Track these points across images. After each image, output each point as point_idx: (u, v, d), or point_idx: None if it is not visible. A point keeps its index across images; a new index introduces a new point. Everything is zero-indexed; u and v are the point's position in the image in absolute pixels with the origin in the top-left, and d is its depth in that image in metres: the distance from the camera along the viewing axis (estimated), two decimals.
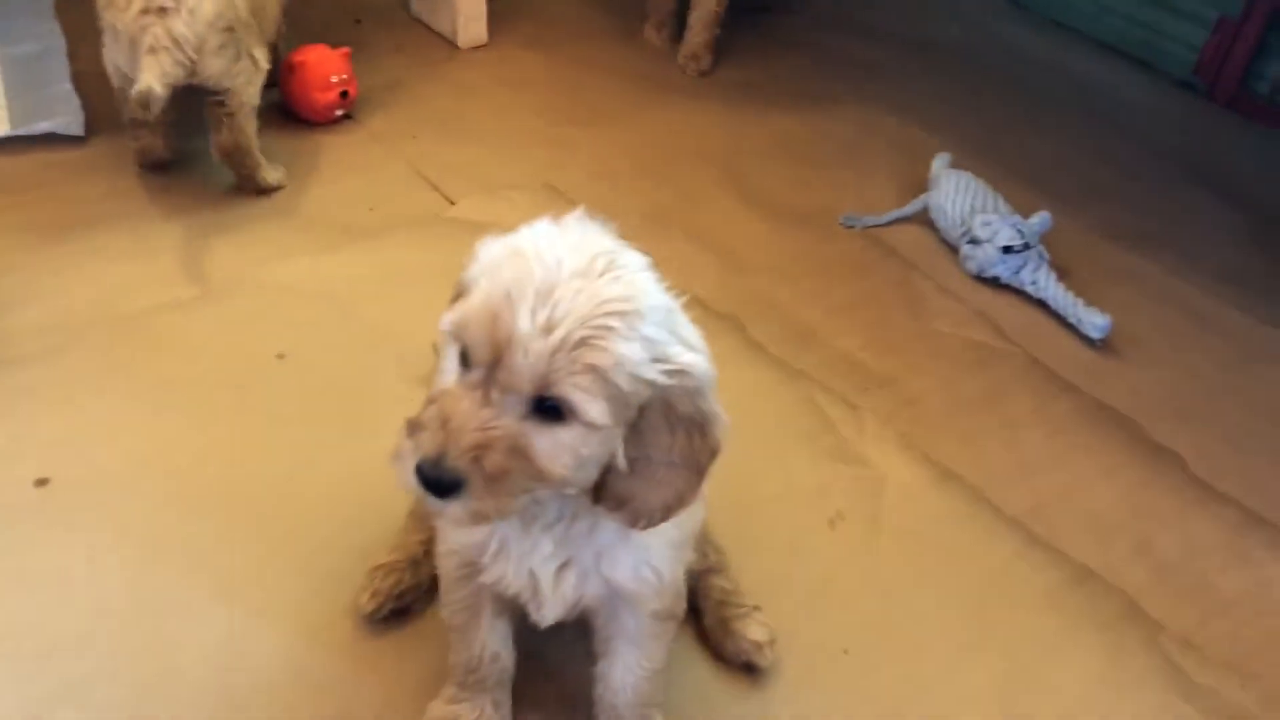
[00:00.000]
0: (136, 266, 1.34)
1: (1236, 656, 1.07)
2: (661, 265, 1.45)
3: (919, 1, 2.34)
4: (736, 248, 1.54)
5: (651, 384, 0.67)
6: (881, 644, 1.03)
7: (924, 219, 1.64)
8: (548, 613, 0.80)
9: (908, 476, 1.21)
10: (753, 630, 0.99)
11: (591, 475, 0.70)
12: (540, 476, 0.68)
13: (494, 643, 0.87)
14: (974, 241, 1.54)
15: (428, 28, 1.97)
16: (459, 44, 1.92)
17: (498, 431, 0.66)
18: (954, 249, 1.58)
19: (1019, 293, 1.52)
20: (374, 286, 1.37)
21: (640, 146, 1.73)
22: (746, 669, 0.99)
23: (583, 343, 0.65)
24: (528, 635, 0.90)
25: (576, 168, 1.65)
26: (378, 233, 1.46)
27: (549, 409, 0.67)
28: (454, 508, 0.67)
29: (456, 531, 0.80)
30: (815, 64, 2.04)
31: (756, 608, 1.01)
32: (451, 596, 0.85)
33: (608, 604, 0.82)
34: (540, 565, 0.77)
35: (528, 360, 0.65)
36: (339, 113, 1.67)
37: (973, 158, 1.70)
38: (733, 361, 1.32)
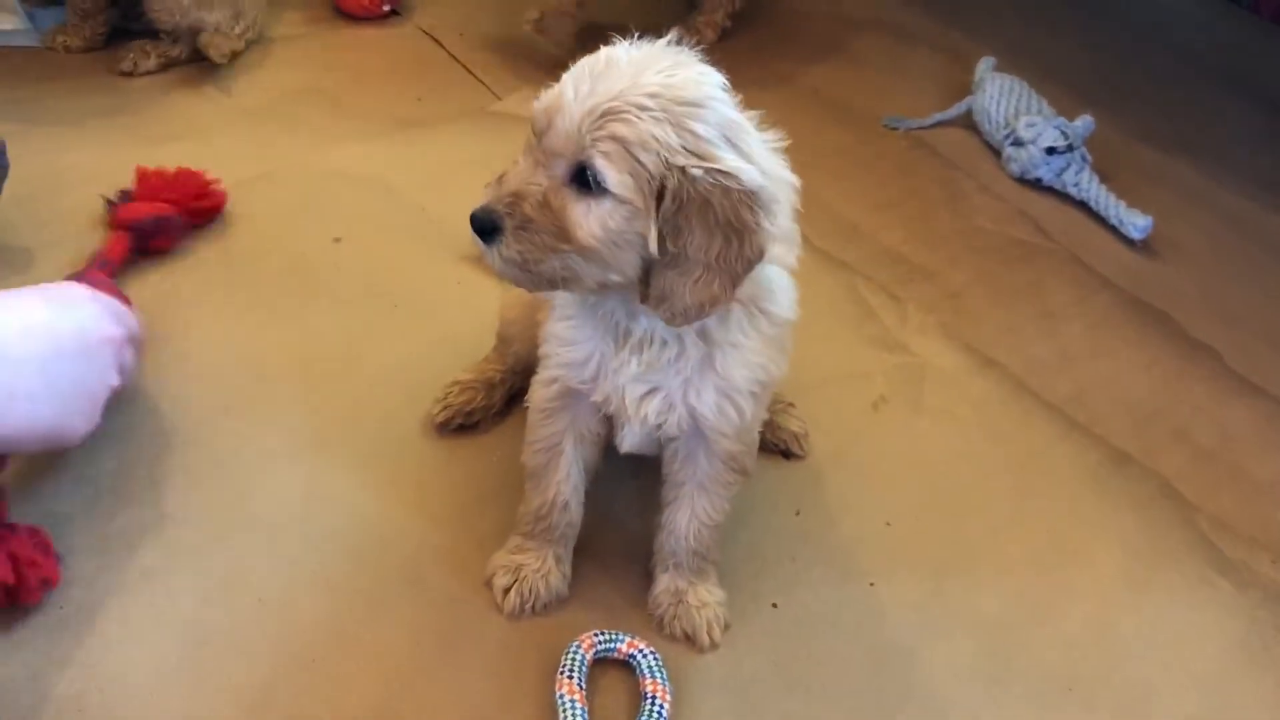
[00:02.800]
0: (194, 147, 1.36)
1: (1269, 536, 1.10)
2: None
3: None
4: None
5: (685, 174, 0.71)
6: (923, 517, 1.06)
7: (967, 122, 1.64)
8: (629, 435, 0.84)
9: (949, 363, 1.24)
10: (791, 423, 1.09)
11: (628, 260, 0.74)
12: (567, 237, 0.73)
13: (565, 490, 0.91)
14: (1018, 143, 1.55)
15: None
16: None
17: (534, 187, 0.73)
18: (997, 151, 1.59)
19: (1060, 194, 1.53)
20: (424, 174, 1.39)
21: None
22: (785, 455, 1.09)
23: (613, 114, 0.70)
24: (593, 493, 0.94)
25: None
26: (426, 123, 1.48)
27: (587, 180, 0.72)
28: (492, 252, 0.75)
29: (560, 353, 0.85)
30: None
31: (791, 404, 1.10)
32: (535, 434, 0.90)
33: (686, 441, 0.87)
34: (629, 385, 0.82)
35: (564, 125, 0.71)
36: (386, 8, 1.68)
37: (1011, 62, 1.70)
38: None
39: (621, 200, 0.71)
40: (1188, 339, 1.33)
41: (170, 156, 1.34)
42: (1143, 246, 1.47)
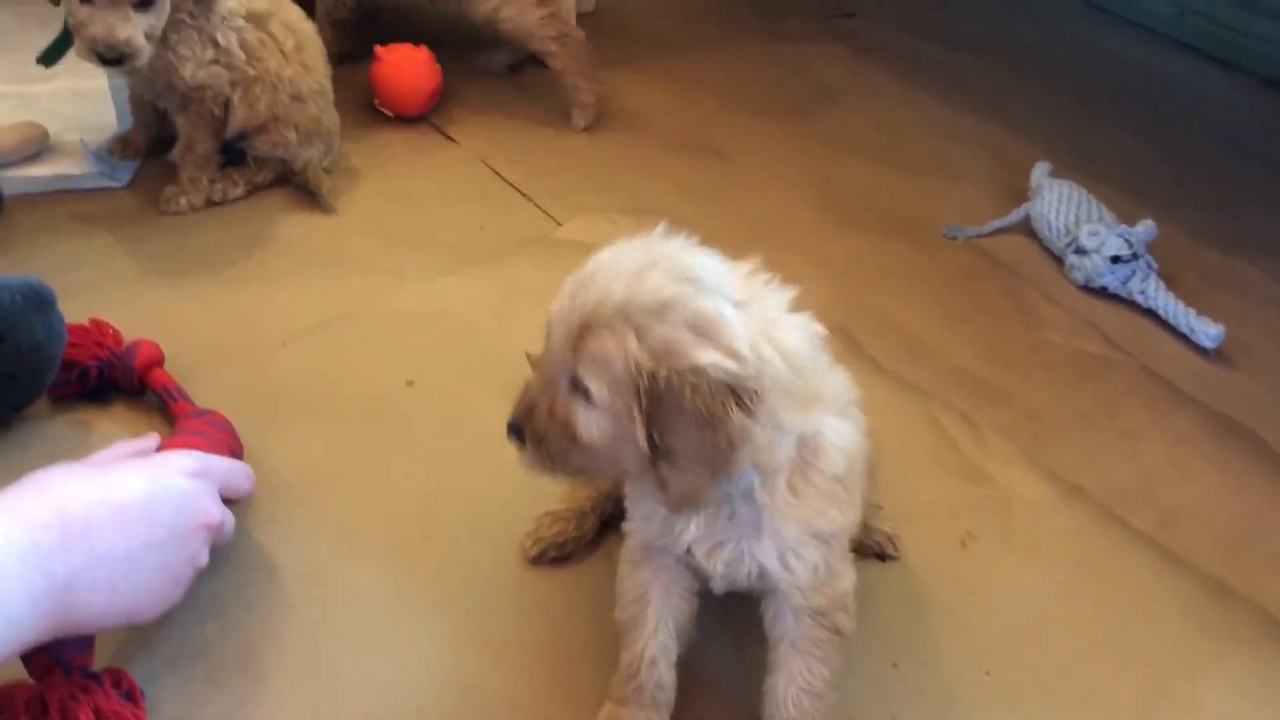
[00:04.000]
0: (261, 293, 1.37)
1: None
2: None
3: (998, 4, 2.34)
4: (839, 260, 1.55)
5: (654, 378, 0.75)
6: (1022, 664, 1.03)
7: (1025, 228, 1.64)
8: (718, 581, 0.88)
9: (1034, 493, 1.22)
10: (883, 524, 1.12)
11: (630, 456, 0.79)
12: (575, 440, 0.79)
13: (654, 646, 0.91)
14: (1080, 251, 1.54)
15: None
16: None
17: (544, 398, 0.80)
18: (1058, 258, 1.59)
19: (1126, 301, 1.52)
20: (492, 308, 1.39)
21: (729, 164, 1.75)
22: (880, 558, 1.11)
23: (587, 332, 0.76)
24: (693, 655, 0.92)
25: (669, 189, 1.67)
26: (491, 254, 1.49)
27: (584, 387, 0.78)
28: (523, 456, 0.82)
29: (632, 508, 0.91)
30: (900, 69, 2.05)
31: (879, 506, 1.12)
32: (623, 586, 0.93)
33: (772, 597, 0.89)
34: (696, 544, 0.86)
35: (556, 342, 0.79)
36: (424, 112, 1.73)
37: (1063, 163, 1.70)
38: (851, 377, 1.33)
39: (608, 408, 0.77)
40: (1274, 455, 1.30)
41: (239, 302, 1.36)
42: (1216, 355, 1.45)
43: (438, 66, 1.76)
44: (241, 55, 1.41)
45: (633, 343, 0.75)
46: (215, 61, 1.39)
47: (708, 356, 0.75)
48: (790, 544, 0.84)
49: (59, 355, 1.14)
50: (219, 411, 1.13)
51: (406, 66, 1.74)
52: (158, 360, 1.20)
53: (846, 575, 0.89)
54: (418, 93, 1.74)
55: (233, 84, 1.43)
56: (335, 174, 1.58)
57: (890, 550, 1.11)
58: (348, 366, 1.28)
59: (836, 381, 0.89)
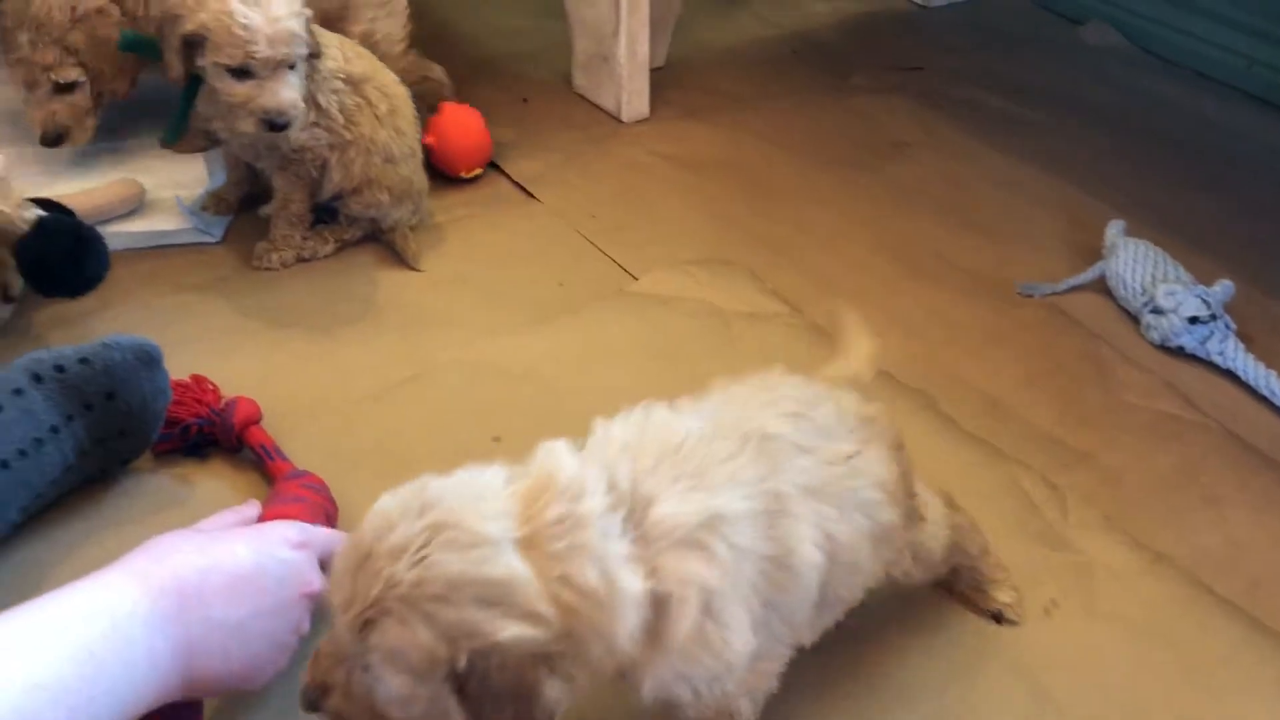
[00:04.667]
0: (351, 349, 1.41)
1: None
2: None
3: (1064, 57, 2.35)
4: (914, 316, 1.56)
5: (457, 661, 0.70)
6: None
7: (1100, 286, 1.64)
8: None
9: (1117, 561, 1.21)
10: (1004, 594, 1.12)
11: None
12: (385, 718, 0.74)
13: None
14: (1157, 311, 1.54)
15: (590, 102, 2.03)
16: (622, 119, 1.98)
17: (338, 678, 0.76)
18: (1134, 318, 1.59)
19: (1205, 361, 1.52)
20: (573, 363, 1.42)
21: (802, 216, 1.76)
22: (997, 620, 1.12)
23: (371, 626, 0.71)
24: None
25: (743, 240, 1.69)
26: (570, 309, 1.52)
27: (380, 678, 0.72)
28: None
29: None
30: (969, 123, 2.06)
31: (1002, 572, 1.14)
32: None
33: None
34: None
35: (340, 628, 0.73)
36: (478, 171, 1.76)
37: (1136, 218, 1.70)
38: (931, 441, 1.34)
39: (409, 697, 0.72)
40: None
41: (330, 358, 1.39)
42: None
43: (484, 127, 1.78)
44: (340, 119, 1.46)
45: (424, 633, 0.70)
46: (316, 124, 1.44)
47: (507, 631, 0.70)
48: (668, 684, 0.79)
49: (164, 412, 1.18)
50: (314, 474, 1.16)
51: (456, 129, 1.76)
52: (255, 418, 1.23)
53: (744, 710, 0.86)
54: (471, 153, 1.77)
55: (331, 146, 1.47)
56: (420, 231, 1.62)
57: (1011, 616, 1.11)
58: (436, 421, 1.31)
59: (688, 508, 0.79)
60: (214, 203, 1.62)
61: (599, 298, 1.54)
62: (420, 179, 1.59)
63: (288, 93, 1.35)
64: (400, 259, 1.57)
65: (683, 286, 1.56)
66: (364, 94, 1.48)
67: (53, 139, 1.56)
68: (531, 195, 1.76)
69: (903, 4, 2.58)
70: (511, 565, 0.72)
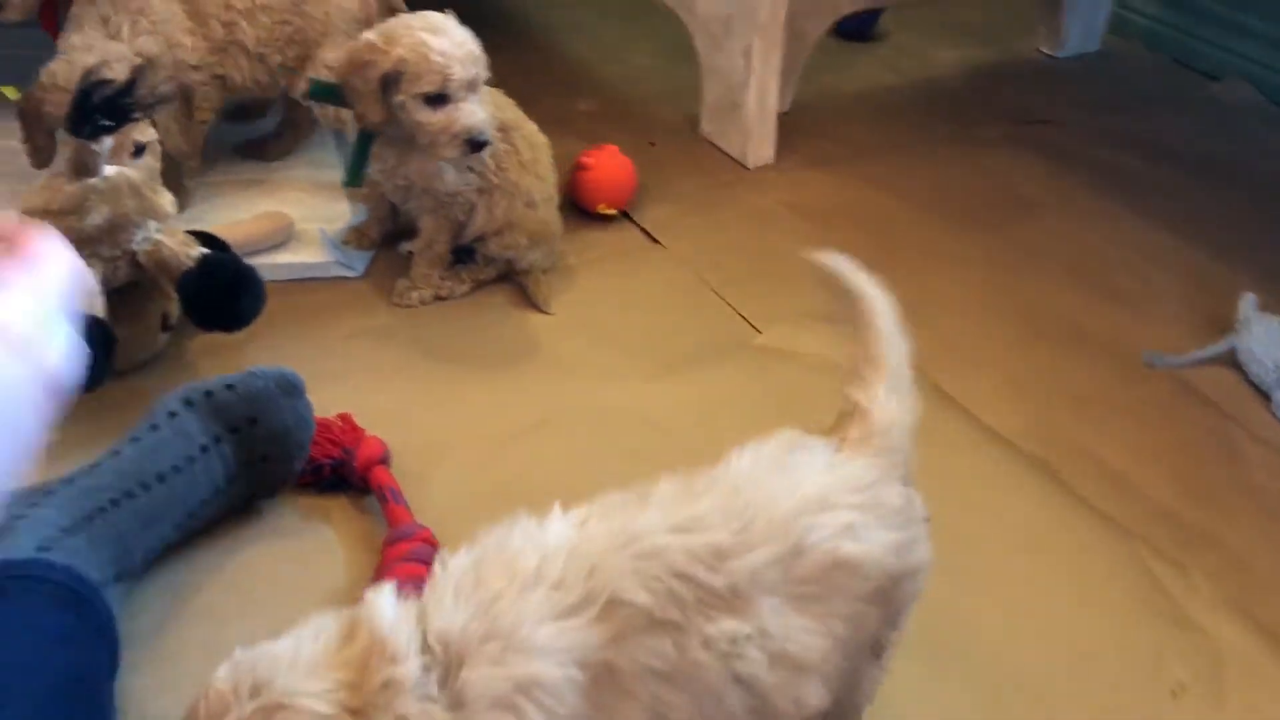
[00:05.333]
0: (483, 391, 1.46)
1: None
2: (966, 398, 1.48)
3: (1198, 115, 2.31)
4: (1036, 383, 1.56)
5: None
6: None
7: (1230, 359, 1.61)
8: None
9: (1248, 646, 1.19)
10: None
11: None
12: None
13: None
14: None
15: (716, 147, 2.06)
16: (748, 164, 2.00)
17: None
18: (1265, 395, 1.55)
19: None
20: (693, 416, 1.44)
21: (924, 274, 1.76)
22: None
23: None
24: None
25: None
26: (691, 359, 1.54)
27: None
28: None
29: None
30: (1096, 181, 2.04)
31: None
32: None
33: None
34: None
35: None
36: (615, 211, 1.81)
37: (1266, 289, 1.67)
38: (1050, 514, 1.34)
39: None
40: None
41: (462, 400, 1.44)
42: None
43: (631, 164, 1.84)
44: (491, 164, 1.52)
45: None
46: (470, 169, 1.50)
47: None
48: None
49: (307, 441, 1.24)
50: (427, 530, 1.19)
51: (613, 162, 1.81)
52: (379, 458, 1.28)
53: None
54: (619, 189, 1.82)
55: (479, 191, 1.54)
56: (551, 273, 1.66)
57: None
58: (560, 469, 1.35)
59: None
60: (355, 237, 1.68)
61: (722, 350, 1.56)
62: (556, 223, 1.64)
63: (482, 112, 1.42)
64: (531, 302, 1.61)
65: (804, 341, 1.58)
66: (512, 141, 1.54)
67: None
68: (657, 241, 1.79)
69: (1031, 53, 2.56)
70: None
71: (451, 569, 0.80)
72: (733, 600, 0.79)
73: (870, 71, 2.43)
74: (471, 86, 1.42)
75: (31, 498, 1.09)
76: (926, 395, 1.46)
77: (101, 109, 1.19)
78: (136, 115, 1.22)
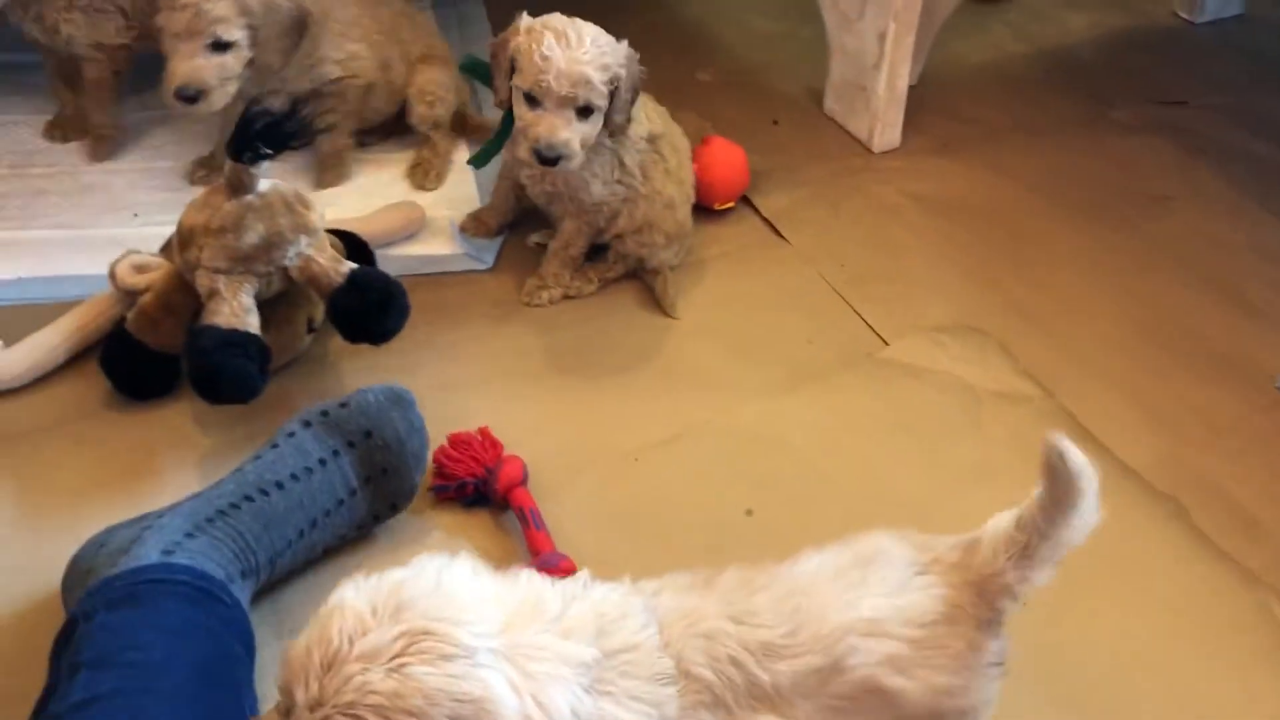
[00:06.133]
0: (613, 401, 1.48)
1: None
2: (1087, 418, 1.44)
3: None
4: (1165, 408, 1.53)
5: None
6: None
7: None
8: None
9: None
10: None
11: None
12: None
13: None
14: None
15: (841, 128, 2.02)
16: (873, 148, 1.97)
17: None
18: None
19: None
20: (822, 434, 1.45)
21: (1054, 277, 1.74)
22: None
23: None
24: None
25: (1001, 308, 1.67)
26: (818, 371, 1.55)
27: None
28: None
29: None
30: (1235, 175, 1.97)
31: None
32: None
33: None
34: None
35: None
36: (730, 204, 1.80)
37: None
38: (1175, 557, 1.33)
39: None
40: None
41: (593, 410, 1.47)
42: None
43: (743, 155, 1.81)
44: (638, 175, 1.52)
45: None
46: (619, 181, 1.51)
47: None
48: None
49: (423, 451, 1.27)
50: (569, 560, 1.23)
51: (721, 162, 1.79)
52: (519, 479, 1.31)
53: None
54: (730, 186, 1.80)
55: (624, 199, 1.54)
56: (676, 270, 1.66)
57: None
58: (690, 488, 1.38)
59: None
60: (473, 224, 1.70)
61: (848, 362, 1.56)
62: (690, 221, 1.64)
63: (564, 131, 1.40)
64: (658, 303, 1.62)
65: (933, 357, 1.57)
66: (659, 150, 1.54)
67: (189, 98, 1.50)
68: (780, 235, 1.78)
69: (1166, 18, 2.45)
70: (488, 682, 0.73)
71: (595, 595, 0.88)
72: (775, 697, 0.84)
73: (999, 38, 2.35)
74: (567, 103, 1.39)
75: (160, 513, 1.16)
76: (1054, 420, 1.49)
77: (261, 136, 1.21)
78: (294, 144, 1.24)
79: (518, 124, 1.45)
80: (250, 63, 1.53)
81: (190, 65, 1.48)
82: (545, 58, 1.37)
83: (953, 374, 1.55)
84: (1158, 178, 1.97)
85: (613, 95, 1.42)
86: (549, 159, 1.41)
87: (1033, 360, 1.58)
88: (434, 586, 0.76)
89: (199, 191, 1.36)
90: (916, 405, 1.50)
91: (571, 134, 1.41)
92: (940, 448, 1.45)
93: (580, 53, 1.38)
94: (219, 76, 1.50)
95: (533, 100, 1.41)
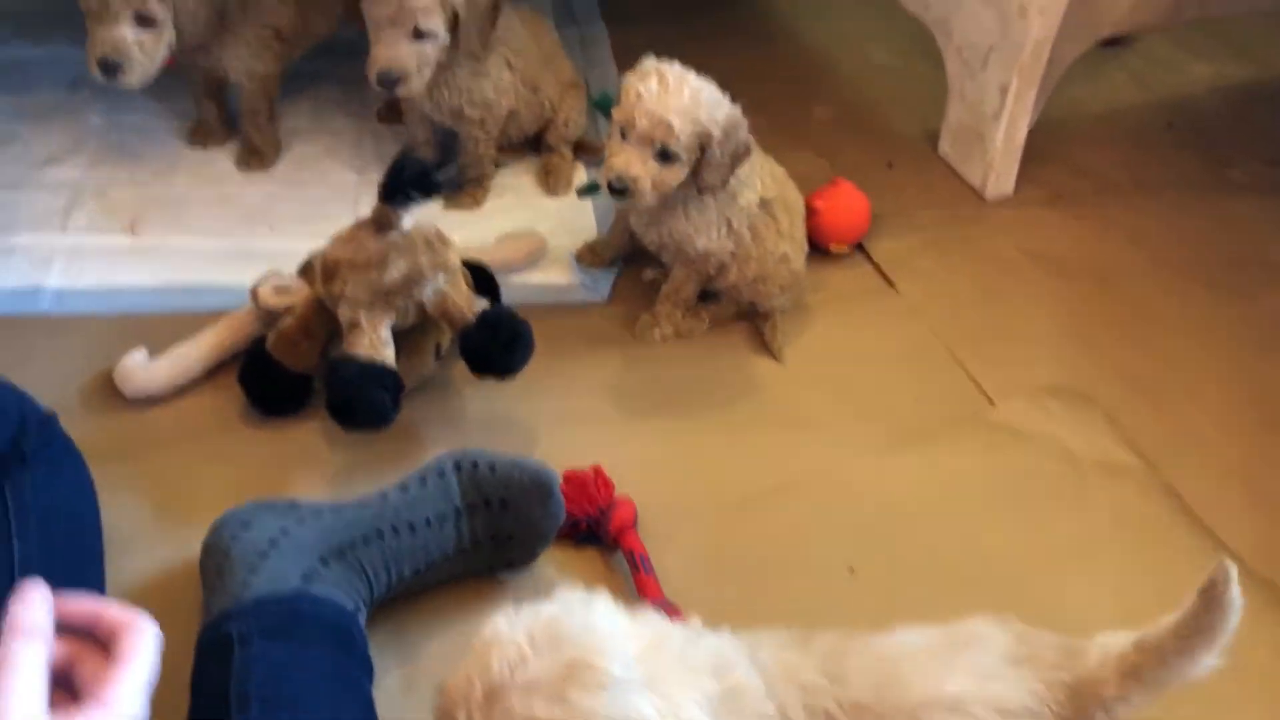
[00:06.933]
0: (720, 445, 1.52)
1: None
2: (1197, 501, 1.44)
3: None
4: (1276, 494, 1.53)
5: None
6: None
7: None
8: None
9: None
10: None
11: None
12: None
13: None
14: None
15: (954, 172, 2.03)
16: (986, 196, 1.97)
17: None
18: None
19: None
20: (929, 498, 1.47)
21: (1167, 347, 1.73)
22: None
23: (495, 697, 0.75)
24: None
25: (1108, 373, 1.67)
26: (926, 431, 1.56)
27: None
28: None
29: None
30: None
31: None
32: None
33: None
34: None
35: None
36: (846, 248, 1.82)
37: None
38: (1274, 643, 1.33)
39: None
40: None
41: (702, 453, 1.50)
42: None
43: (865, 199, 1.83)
44: (747, 236, 1.55)
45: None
46: (725, 240, 1.54)
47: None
48: None
49: (552, 533, 1.31)
50: (677, 608, 1.26)
51: (845, 206, 1.81)
52: (631, 523, 1.36)
53: None
54: (850, 231, 1.83)
55: (733, 255, 1.56)
56: (786, 313, 1.69)
57: None
58: (795, 540, 1.41)
59: None
60: (588, 255, 1.74)
61: (955, 421, 1.58)
62: (804, 270, 1.67)
63: (636, 168, 1.44)
64: (766, 347, 1.65)
65: (1038, 422, 1.58)
66: (772, 213, 1.57)
67: (391, 81, 1.58)
68: (890, 282, 1.80)
69: None
70: (642, 710, 0.78)
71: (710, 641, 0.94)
72: None
73: (1117, 86, 2.33)
74: (646, 142, 1.43)
75: (298, 513, 1.22)
76: (1157, 497, 1.49)
77: (413, 183, 1.26)
78: (442, 192, 1.28)
79: (606, 154, 1.49)
80: (448, 48, 1.60)
81: (392, 51, 1.56)
82: (639, 95, 1.42)
83: (1057, 440, 1.56)
84: (1275, 247, 1.95)
85: (703, 150, 1.44)
86: (617, 190, 1.46)
87: (1139, 431, 1.59)
88: (584, 621, 0.81)
89: (326, 206, 1.60)
90: (1020, 471, 1.52)
91: (644, 172, 1.44)
92: (1042, 519, 1.46)
93: (671, 98, 1.42)
94: (418, 63, 1.57)
95: (623, 134, 1.46)
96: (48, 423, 1.15)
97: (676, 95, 1.42)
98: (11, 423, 1.10)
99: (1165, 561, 1.42)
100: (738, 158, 1.47)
